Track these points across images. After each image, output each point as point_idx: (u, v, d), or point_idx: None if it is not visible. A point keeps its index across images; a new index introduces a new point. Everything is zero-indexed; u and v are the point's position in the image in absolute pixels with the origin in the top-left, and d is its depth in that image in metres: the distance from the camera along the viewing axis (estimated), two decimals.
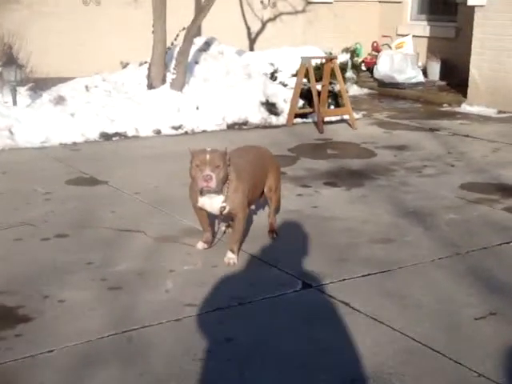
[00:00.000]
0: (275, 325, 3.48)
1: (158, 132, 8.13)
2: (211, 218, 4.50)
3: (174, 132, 8.18)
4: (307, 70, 8.48)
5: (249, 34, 13.10)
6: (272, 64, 10.54)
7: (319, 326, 3.46)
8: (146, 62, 9.38)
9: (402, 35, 13.58)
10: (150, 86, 8.74)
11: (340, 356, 3.19)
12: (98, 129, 7.80)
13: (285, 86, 9.62)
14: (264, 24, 13.28)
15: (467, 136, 8.08)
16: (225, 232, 4.71)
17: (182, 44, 8.63)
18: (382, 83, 12.17)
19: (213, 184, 3.99)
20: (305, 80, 9.29)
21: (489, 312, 3.60)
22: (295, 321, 3.52)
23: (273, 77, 9.83)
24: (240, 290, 3.88)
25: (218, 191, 4.13)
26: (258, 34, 13.24)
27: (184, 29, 8.96)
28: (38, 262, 4.28)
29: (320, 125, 8.29)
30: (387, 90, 11.86)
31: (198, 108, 8.44)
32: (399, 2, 13.85)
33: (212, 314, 3.60)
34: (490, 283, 3.95)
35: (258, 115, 8.74)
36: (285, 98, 9.05)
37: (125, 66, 10.50)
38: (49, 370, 3.08)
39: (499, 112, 9.78)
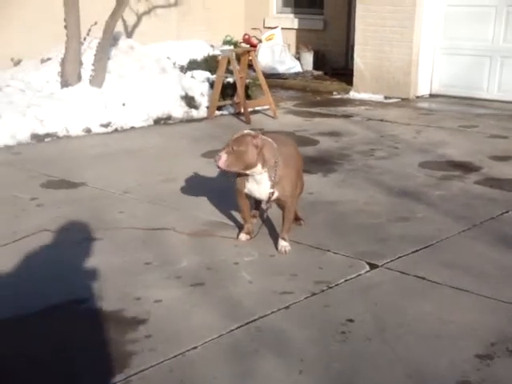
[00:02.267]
0: (382, 302, 3.67)
1: (89, 131, 7.83)
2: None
3: (103, 130, 7.93)
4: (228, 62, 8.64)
5: (125, 27, 12.82)
6: (169, 58, 10.50)
7: (421, 301, 3.70)
8: (48, 59, 8.95)
9: (271, 27, 14.09)
10: (65, 84, 8.35)
11: (468, 328, 3.48)
12: (27, 130, 7.36)
13: (194, 79, 9.65)
14: (139, 18, 13.08)
15: (382, 120, 8.71)
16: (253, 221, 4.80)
17: (101, 39, 8.34)
18: (263, 74, 12.53)
19: (221, 163, 4.07)
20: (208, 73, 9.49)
21: None
22: (394, 298, 3.73)
23: (182, 70, 9.80)
24: (317, 274, 4.02)
25: (264, 176, 4.21)
26: (135, 27, 13.02)
27: (96, 23, 8.67)
28: (95, 266, 4.12)
29: (247, 115, 8.48)
30: (271, 81, 12.15)
31: (124, 104, 8.24)
32: None
33: (312, 299, 3.72)
34: None
35: (179, 109, 8.72)
36: (201, 91, 9.11)
37: (17, 62, 9.90)
38: (209, 365, 3.06)
39: (386, 98, 10.57)
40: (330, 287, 3.86)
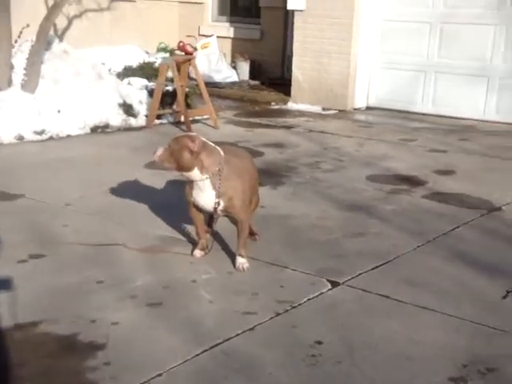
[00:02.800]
0: (348, 322, 3.56)
1: (21, 138, 7.45)
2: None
3: (37, 137, 7.56)
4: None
5: (55, 30, 12.37)
6: (104, 63, 10.17)
7: (387, 320, 3.62)
8: None
9: (206, 35, 13.93)
10: None
11: (436, 348, 3.40)
12: None
13: (132, 86, 9.38)
14: (70, 21, 12.65)
15: (323, 132, 8.69)
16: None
17: (34, 42, 7.96)
18: None
19: (155, 156, 4.12)
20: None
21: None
22: (359, 317, 3.63)
23: (119, 77, 9.50)
24: (278, 293, 3.89)
25: (207, 184, 4.09)
26: (65, 31, 12.58)
27: (28, 25, 8.31)
28: (44, 286, 3.85)
29: (188, 125, 8.28)
30: (208, 90, 11.91)
31: (59, 111, 7.88)
32: (200, 3, 14.15)
33: (277, 319, 3.57)
34: (479, 261, 4.42)
35: (117, 117, 8.43)
36: (140, 98, 8.84)
37: None
38: None
39: (324, 109, 10.58)
40: (294, 307, 3.73)
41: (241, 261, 4.22)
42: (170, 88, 9.05)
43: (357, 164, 7.03)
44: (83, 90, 8.29)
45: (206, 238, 4.44)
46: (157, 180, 6.08)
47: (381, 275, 4.22)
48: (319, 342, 3.34)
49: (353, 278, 4.15)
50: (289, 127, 8.99)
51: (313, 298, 3.85)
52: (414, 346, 3.36)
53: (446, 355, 3.28)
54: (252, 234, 4.70)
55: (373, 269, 4.30)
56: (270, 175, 6.46)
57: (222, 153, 4.14)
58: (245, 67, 13.10)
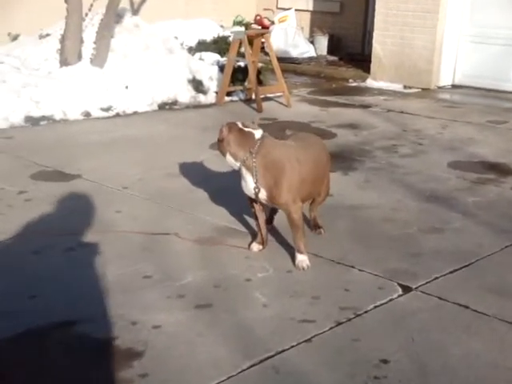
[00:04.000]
0: (420, 337, 3.09)
1: (88, 114, 7.26)
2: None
3: (104, 114, 7.36)
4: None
5: (130, 3, 12.17)
6: (176, 37, 9.89)
7: (466, 338, 3.13)
8: (47, 35, 8.36)
9: (284, 9, 13.44)
10: (64, 62, 7.77)
11: None
12: (21, 112, 6.80)
13: (203, 61, 9.05)
14: None
15: (403, 112, 8.10)
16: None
17: (104, 15, 7.74)
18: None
19: (221, 135, 3.86)
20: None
21: None
22: (433, 332, 3.15)
23: (190, 51, 9.19)
24: (342, 298, 3.46)
25: (244, 172, 3.82)
26: (140, 4, 12.36)
27: None
28: (86, 280, 3.57)
29: (259, 103, 7.88)
30: (283, 65, 11.52)
31: (127, 87, 7.64)
32: None
33: (338, 330, 3.16)
34: None
35: (186, 94, 8.13)
36: (210, 75, 8.50)
37: (14, 38, 9.31)
38: None
39: (405, 87, 9.95)
40: (358, 314, 3.30)
41: (301, 258, 3.81)
42: (241, 64, 8.65)
43: (438, 149, 6.45)
44: (152, 65, 8.02)
45: (265, 231, 4.05)
46: (221, 162, 5.68)
47: (461, 280, 3.72)
48: (385, 361, 2.91)
49: (428, 282, 3.67)
50: (366, 106, 8.44)
51: (380, 305, 3.41)
52: (499, 372, 2.88)
53: None
54: (317, 226, 4.29)
55: (451, 272, 3.80)
56: (342, 159, 5.99)
57: (256, 137, 3.79)
58: (323, 42, 12.55)
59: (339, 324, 3.20)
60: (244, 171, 3.82)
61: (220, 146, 3.94)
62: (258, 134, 3.82)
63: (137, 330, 3.08)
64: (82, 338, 3.03)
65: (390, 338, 3.10)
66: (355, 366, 2.87)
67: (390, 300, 3.46)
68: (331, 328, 3.16)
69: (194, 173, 5.43)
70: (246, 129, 3.84)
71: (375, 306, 3.38)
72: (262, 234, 4.02)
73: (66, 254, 3.89)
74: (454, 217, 4.66)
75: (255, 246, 4.01)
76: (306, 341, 3.05)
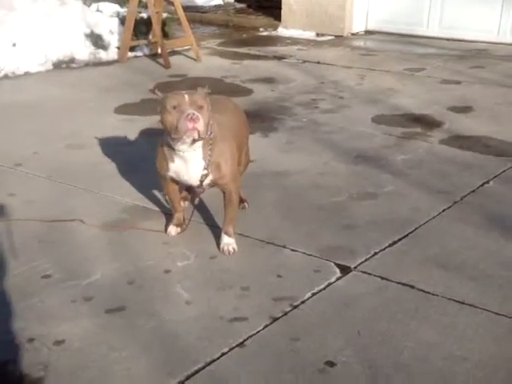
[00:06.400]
0: (366, 329, 2.73)
1: None
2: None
3: None
4: None
5: None
6: None
7: (417, 325, 2.78)
8: None
9: None
10: None
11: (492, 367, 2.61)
12: None
13: (101, 13, 8.28)
14: None
15: (319, 63, 7.68)
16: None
17: None
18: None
19: (200, 126, 2.99)
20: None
21: None
22: (379, 320, 2.79)
23: (85, 3, 8.38)
24: (275, 286, 3.05)
25: (198, 153, 3.19)
26: None
27: None
28: None
29: (166, 58, 7.27)
30: (189, 15, 10.84)
31: (14, 45, 6.86)
32: None
33: (274, 327, 2.75)
34: None
35: (84, 50, 7.41)
36: (110, 28, 7.79)
37: None
38: None
39: (318, 35, 9.52)
40: (295, 306, 2.90)
41: (227, 241, 3.37)
42: (144, 15, 7.98)
43: (360, 101, 6.09)
44: (43, 19, 7.23)
45: (182, 210, 3.57)
46: (128, 129, 5.18)
47: (401, 254, 3.37)
48: (331, 364, 2.53)
49: (367, 259, 3.31)
50: (280, 58, 7.97)
51: (318, 291, 3.02)
52: (455, 363, 2.56)
53: (501, 377, 2.49)
54: (240, 201, 3.84)
55: (390, 245, 3.45)
56: (261, 119, 5.54)
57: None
58: None
59: (274, 320, 2.79)
60: (195, 155, 3.18)
61: (203, 117, 3.03)
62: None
63: (34, 350, 2.56)
64: None
65: (334, 332, 2.73)
66: (297, 374, 2.48)
67: (329, 285, 3.08)
68: (266, 326, 2.75)
69: (99, 143, 4.85)
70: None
71: (313, 294, 3.00)
72: (179, 215, 3.55)
73: None
74: (385, 179, 4.31)
75: (173, 229, 3.53)
76: (238, 345, 2.63)
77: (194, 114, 2.97)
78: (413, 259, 3.32)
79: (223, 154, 3.27)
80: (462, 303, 2.94)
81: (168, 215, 3.67)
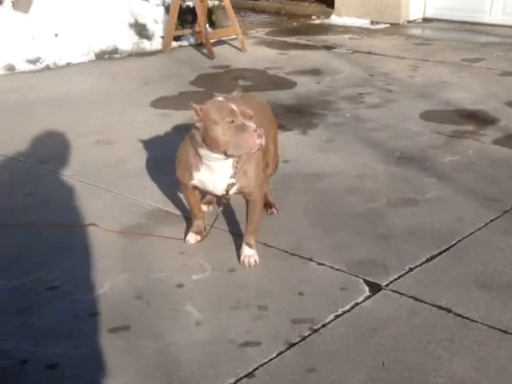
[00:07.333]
0: (394, 361, 2.42)
1: (11, 68, 6.39)
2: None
3: (31, 67, 6.48)
4: None
5: None
6: None
7: (455, 357, 2.45)
8: None
9: None
10: None
11: None
12: None
13: (147, 2, 8.09)
14: None
15: (370, 53, 7.31)
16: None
17: None
18: None
19: (264, 141, 2.78)
20: None
21: None
22: (411, 350, 2.49)
23: None
24: (295, 305, 2.78)
25: (227, 162, 2.94)
26: None
27: None
28: None
29: (210, 49, 7.03)
30: (241, 3, 10.64)
31: (56, 35, 6.74)
32: None
33: (289, 355, 2.48)
34: None
35: (128, 40, 7.24)
36: (155, 17, 7.60)
37: None
38: None
39: (372, 23, 9.12)
40: (315, 330, 2.63)
41: (248, 252, 3.11)
42: (190, 3, 7.74)
43: (409, 96, 5.71)
44: (86, 9, 7.09)
45: (202, 217, 3.33)
46: (163, 123, 4.98)
47: (440, 271, 3.04)
48: None
49: (400, 276, 3.00)
50: (330, 47, 7.62)
51: (343, 313, 2.73)
52: None
53: None
54: (268, 206, 3.58)
55: (428, 260, 3.13)
56: (302, 114, 5.24)
57: None
58: None
59: (290, 346, 2.52)
60: (224, 164, 2.93)
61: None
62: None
63: (26, 374, 2.37)
64: None
65: (355, 362, 2.44)
66: None
67: (355, 305, 2.79)
68: (280, 353, 2.48)
69: (130, 138, 4.67)
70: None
71: (336, 316, 2.71)
72: (198, 222, 3.31)
73: None
74: (429, 183, 3.97)
75: (192, 237, 3.29)
76: (247, 375, 2.37)
77: (260, 131, 2.74)
78: (452, 278, 2.99)
79: (250, 160, 3.01)
80: (506, 332, 2.60)
81: (190, 220, 3.43)
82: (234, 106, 2.78)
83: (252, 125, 2.75)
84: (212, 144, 2.81)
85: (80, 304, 2.78)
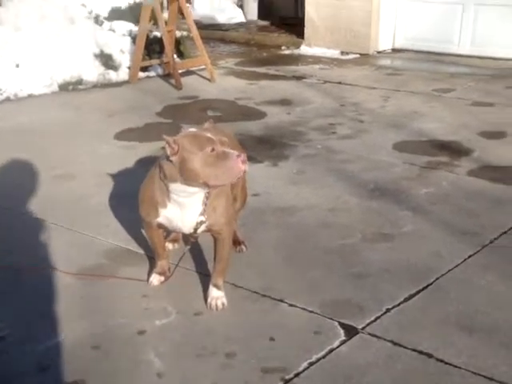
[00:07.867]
0: None
1: None
2: None
3: None
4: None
5: None
6: (84, 5, 8.72)
7: None
8: None
9: None
10: None
11: None
12: None
13: (113, 32, 7.94)
14: None
15: (340, 83, 7.21)
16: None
17: None
18: (200, 25, 10.87)
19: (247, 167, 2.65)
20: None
21: None
22: None
23: (98, 22, 8.05)
24: (265, 352, 2.58)
25: (197, 197, 2.76)
26: None
27: None
28: None
29: (178, 80, 6.87)
30: (210, 33, 10.55)
31: (18, 66, 6.53)
32: None
33: None
34: None
35: (93, 71, 7.05)
36: (121, 47, 7.43)
37: None
38: None
39: (342, 53, 9.06)
40: (288, 380, 2.43)
41: (215, 294, 2.91)
42: (158, 33, 7.60)
43: (381, 126, 5.59)
44: (50, 39, 6.90)
45: (167, 257, 3.13)
46: (128, 156, 4.79)
47: (418, 312, 2.88)
48: None
49: (377, 318, 2.82)
50: (300, 78, 7.51)
51: (317, 360, 2.54)
52: None
53: None
54: (237, 243, 3.39)
55: (406, 300, 2.96)
56: (272, 145, 5.09)
57: None
58: (253, 5, 11.51)
59: None
60: (195, 199, 2.76)
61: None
62: None
63: None
64: None
65: None
66: None
67: (330, 351, 2.60)
68: None
69: (92, 172, 4.47)
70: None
71: (310, 364, 2.52)
72: (162, 263, 3.10)
73: None
74: (404, 216, 3.82)
75: (155, 279, 3.08)
76: None
77: (244, 156, 2.59)
78: (431, 319, 2.82)
79: (219, 196, 2.83)
80: (491, 379, 2.43)
81: (154, 260, 3.22)
82: (210, 135, 2.62)
83: (233, 151, 2.60)
84: (191, 177, 2.62)
85: (29, 357, 2.54)
